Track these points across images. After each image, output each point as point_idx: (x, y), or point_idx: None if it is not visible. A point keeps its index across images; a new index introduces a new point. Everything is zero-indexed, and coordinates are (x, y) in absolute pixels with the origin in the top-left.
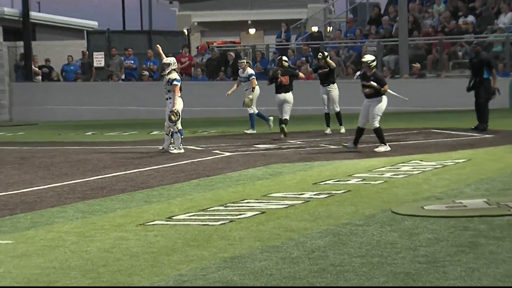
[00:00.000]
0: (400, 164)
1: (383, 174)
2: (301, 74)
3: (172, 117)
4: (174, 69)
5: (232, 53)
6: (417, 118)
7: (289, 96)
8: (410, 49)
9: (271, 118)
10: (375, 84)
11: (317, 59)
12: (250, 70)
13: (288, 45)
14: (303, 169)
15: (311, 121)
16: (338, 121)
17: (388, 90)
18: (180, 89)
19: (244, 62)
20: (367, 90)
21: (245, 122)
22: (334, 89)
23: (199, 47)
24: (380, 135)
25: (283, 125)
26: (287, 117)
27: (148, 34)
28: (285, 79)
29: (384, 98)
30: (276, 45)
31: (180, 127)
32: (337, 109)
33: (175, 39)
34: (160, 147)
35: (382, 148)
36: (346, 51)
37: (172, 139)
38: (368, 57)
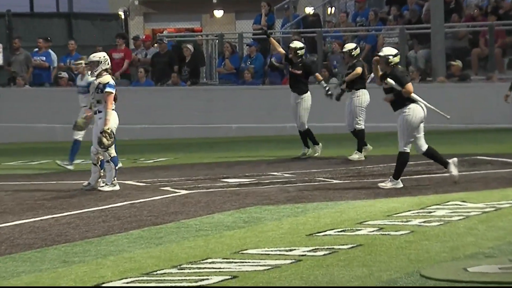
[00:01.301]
0: (433, 207)
1: (408, 220)
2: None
3: (104, 139)
4: (105, 70)
5: (190, 46)
6: (458, 139)
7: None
8: (448, 39)
9: (120, 165)
10: (393, 82)
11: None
12: (91, 79)
13: (271, 34)
14: (293, 214)
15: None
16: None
17: (414, 96)
18: (115, 99)
19: (81, 63)
20: (386, 96)
21: (213, 145)
22: (359, 96)
23: (141, 38)
24: (397, 165)
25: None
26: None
27: (67, 19)
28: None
29: (412, 109)
30: (254, 34)
31: (114, 153)
32: (359, 126)
33: (107, 25)
34: (85, 183)
35: (389, 184)
36: (356, 42)
37: (102, 171)
38: (387, 50)
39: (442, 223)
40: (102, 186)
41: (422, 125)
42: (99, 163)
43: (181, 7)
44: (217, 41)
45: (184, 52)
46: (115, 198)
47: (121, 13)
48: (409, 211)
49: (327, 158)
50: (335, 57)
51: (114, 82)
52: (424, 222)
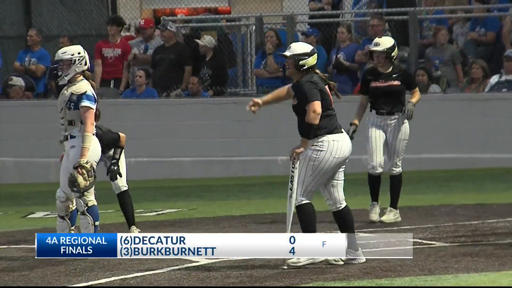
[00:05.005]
0: None
1: None
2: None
3: (80, 178)
4: (81, 73)
5: (210, 37)
6: None
7: None
8: None
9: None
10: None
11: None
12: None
13: (339, 16)
14: None
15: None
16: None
17: None
18: (97, 117)
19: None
20: None
21: (247, 189)
22: (405, 123)
23: (138, 24)
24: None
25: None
26: None
27: None
28: None
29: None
30: (312, 17)
31: (93, 201)
32: (398, 170)
33: (86, 6)
34: None
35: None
36: (469, 28)
37: (73, 228)
38: (298, 47)
39: None
40: None
41: None
42: (69, 215)
43: None
44: (254, 27)
45: (203, 47)
46: (96, 271)
47: None
48: None
49: (427, 207)
50: (437, 51)
51: (93, 93)
52: None
